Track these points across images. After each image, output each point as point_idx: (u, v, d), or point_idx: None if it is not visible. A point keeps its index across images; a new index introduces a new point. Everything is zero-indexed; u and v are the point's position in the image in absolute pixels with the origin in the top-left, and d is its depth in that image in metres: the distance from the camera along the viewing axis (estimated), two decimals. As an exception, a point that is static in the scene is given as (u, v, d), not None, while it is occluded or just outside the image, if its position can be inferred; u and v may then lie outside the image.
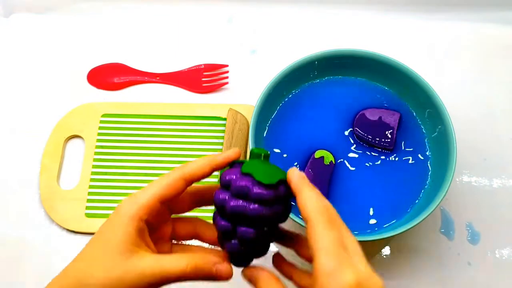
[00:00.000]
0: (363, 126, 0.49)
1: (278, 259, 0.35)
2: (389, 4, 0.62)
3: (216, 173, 0.45)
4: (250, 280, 0.32)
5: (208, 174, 0.34)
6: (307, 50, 0.50)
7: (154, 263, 0.30)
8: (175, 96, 0.58)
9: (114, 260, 0.30)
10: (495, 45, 0.60)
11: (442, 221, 0.51)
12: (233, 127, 0.54)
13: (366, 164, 0.48)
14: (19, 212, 0.53)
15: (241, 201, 0.31)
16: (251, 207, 0.31)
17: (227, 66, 0.59)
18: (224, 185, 0.32)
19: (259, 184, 0.31)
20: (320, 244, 0.28)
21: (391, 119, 0.49)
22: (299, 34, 0.62)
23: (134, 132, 0.56)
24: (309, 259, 0.33)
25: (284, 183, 0.32)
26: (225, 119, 0.56)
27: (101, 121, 0.56)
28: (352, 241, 0.30)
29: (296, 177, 0.32)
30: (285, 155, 0.48)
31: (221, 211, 0.32)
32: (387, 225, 0.45)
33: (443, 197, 0.42)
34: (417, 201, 0.46)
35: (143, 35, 0.62)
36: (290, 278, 0.34)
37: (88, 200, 0.52)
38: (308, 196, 0.30)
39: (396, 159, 0.48)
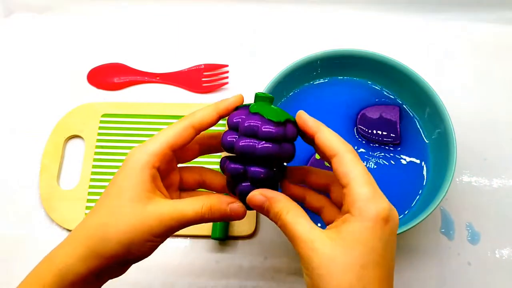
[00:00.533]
0: (367, 125, 0.49)
1: (288, 184, 0.36)
2: (389, 4, 0.62)
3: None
4: (262, 205, 0.31)
5: (215, 121, 0.34)
6: (307, 50, 0.49)
7: (170, 207, 0.31)
8: (175, 96, 0.58)
9: (132, 209, 0.31)
10: (495, 45, 0.60)
11: (442, 221, 0.51)
12: (233, 127, 0.54)
13: (366, 164, 0.48)
14: (19, 212, 0.53)
15: (250, 139, 0.31)
16: (260, 145, 0.31)
17: (227, 66, 0.59)
18: (232, 127, 0.33)
19: (268, 122, 0.31)
20: (354, 174, 0.29)
21: (392, 113, 0.49)
22: (299, 34, 0.62)
23: (134, 132, 0.56)
24: (318, 186, 0.35)
25: (291, 123, 0.33)
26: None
27: (101, 121, 0.56)
28: (370, 174, 0.31)
29: (310, 119, 0.33)
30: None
31: (230, 153, 0.33)
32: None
33: (443, 197, 0.42)
34: (417, 201, 0.46)
35: (143, 35, 0.62)
36: (303, 200, 0.35)
37: (88, 200, 0.52)
38: (329, 133, 0.32)
39: (397, 158, 0.48)
